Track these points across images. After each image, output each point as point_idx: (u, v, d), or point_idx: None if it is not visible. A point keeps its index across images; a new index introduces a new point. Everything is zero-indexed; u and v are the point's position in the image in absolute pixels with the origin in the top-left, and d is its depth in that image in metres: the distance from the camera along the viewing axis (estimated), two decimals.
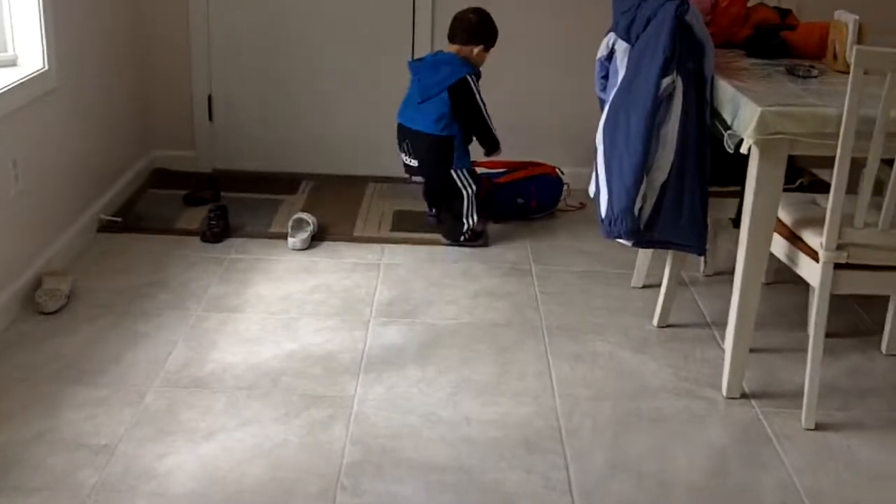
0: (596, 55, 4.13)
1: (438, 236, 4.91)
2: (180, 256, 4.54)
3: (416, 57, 5.37)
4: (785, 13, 4.35)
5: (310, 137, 5.68)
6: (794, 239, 3.45)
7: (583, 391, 3.56)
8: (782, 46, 4.03)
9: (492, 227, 5.03)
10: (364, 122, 5.60)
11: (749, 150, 3.23)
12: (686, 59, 3.57)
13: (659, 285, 4.09)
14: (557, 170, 5.20)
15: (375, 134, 5.57)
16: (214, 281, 4.29)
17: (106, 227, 4.82)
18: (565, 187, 5.20)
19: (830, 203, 3.16)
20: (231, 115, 5.67)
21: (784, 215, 3.49)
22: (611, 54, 4.02)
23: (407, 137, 4.83)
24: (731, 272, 3.57)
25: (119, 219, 4.89)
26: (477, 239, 4.85)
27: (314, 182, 5.61)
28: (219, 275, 4.36)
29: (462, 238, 4.81)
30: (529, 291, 4.32)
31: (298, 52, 5.55)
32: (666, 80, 3.56)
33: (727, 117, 3.45)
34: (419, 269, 4.53)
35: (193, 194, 5.21)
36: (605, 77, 4.11)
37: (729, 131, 3.33)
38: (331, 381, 3.55)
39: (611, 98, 3.87)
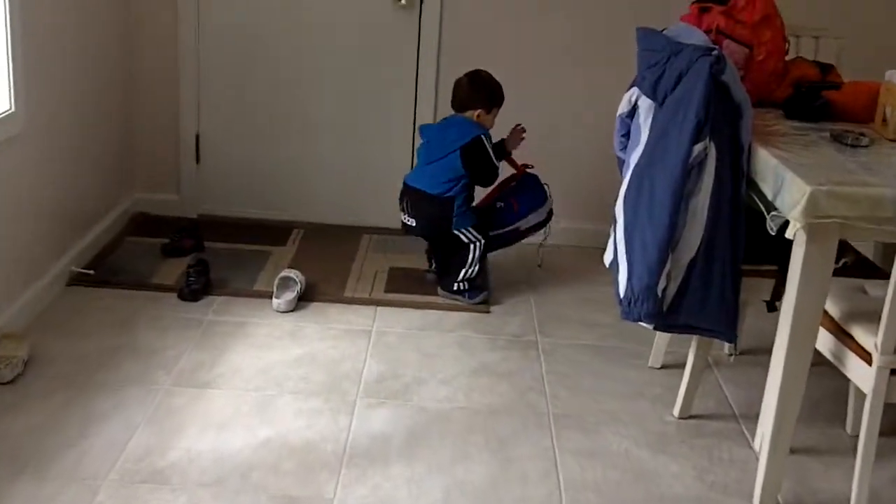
0: (617, 111, 3.69)
1: (435, 298, 4.52)
2: (153, 317, 4.13)
3: (417, 108, 5.12)
4: (826, 69, 3.94)
5: (303, 183, 5.28)
6: (841, 335, 3.03)
7: (594, 498, 3.12)
8: (825, 108, 3.62)
9: (494, 289, 4.60)
10: (360, 169, 5.21)
11: (795, 234, 2.79)
12: (721, 123, 3.16)
13: (680, 365, 3.69)
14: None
15: (372, 182, 5.19)
16: (188, 347, 3.87)
17: (77, 280, 4.41)
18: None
19: (889, 300, 2.72)
20: (220, 157, 5.27)
21: (829, 305, 3.07)
22: (633, 111, 3.60)
23: (407, 196, 4.51)
24: (760, 352, 3.15)
25: (91, 271, 4.49)
26: (475, 293, 4.47)
27: (306, 231, 5.21)
28: (194, 340, 3.94)
29: (457, 287, 4.45)
30: (534, 370, 3.90)
31: (293, 92, 5.15)
32: (698, 147, 3.15)
33: (767, 191, 3.03)
34: (413, 337, 4.12)
35: (174, 244, 4.80)
36: (626, 135, 3.69)
37: (773, 213, 2.91)
38: (307, 479, 3.12)
39: (633, 162, 3.46)
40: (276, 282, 4.38)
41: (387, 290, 4.58)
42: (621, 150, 3.74)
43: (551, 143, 5.07)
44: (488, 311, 4.44)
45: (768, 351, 3.19)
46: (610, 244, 3.58)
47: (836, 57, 4.22)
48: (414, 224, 4.50)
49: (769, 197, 3.03)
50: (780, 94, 3.81)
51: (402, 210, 4.54)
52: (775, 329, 3.06)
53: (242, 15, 5.07)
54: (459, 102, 4.49)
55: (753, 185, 3.21)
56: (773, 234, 2.93)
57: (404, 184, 4.53)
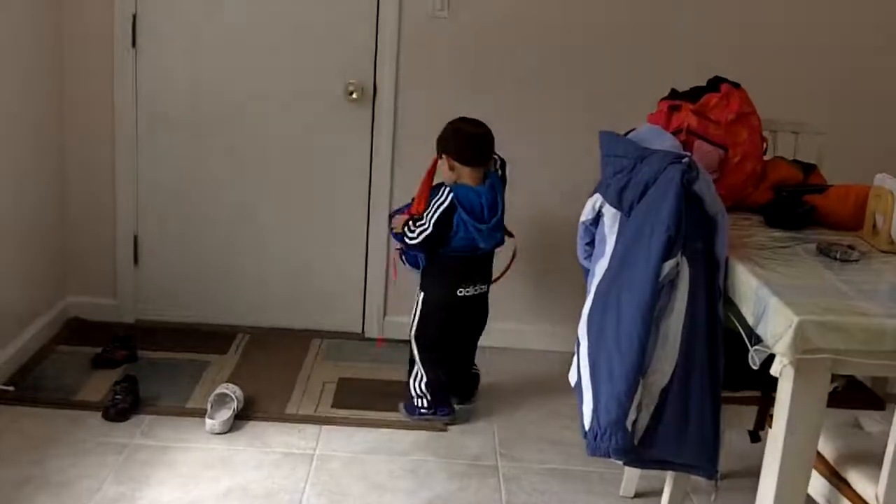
0: (581, 214, 3.37)
1: (387, 414, 4.17)
2: (73, 441, 3.75)
3: (371, 203, 4.80)
4: (808, 169, 3.65)
5: (249, 285, 4.92)
6: (836, 479, 2.67)
7: None
8: (809, 215, 3.30)
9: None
10: (310, 269, 4.84)
11: (781, 371, 2.44)
12: (694, 237, 2.84)
13: (656, 494, 3.36)
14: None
15: (322, 282, 4.84)
16: (107, 478, 3.50)
17: None
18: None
19: (892, 448, 2.36)
20: (159, 258, 4.91)
21: (821, 444, 2.71)
22: (597, 218, 3.27)
23: (484, 262, 4.16)
24: (745, 475, 2.78)
25: (11, 387, 4.10)
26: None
27: (251, 336, 4.83)
28: (115, 469, 3.56)
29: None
30: (494, 502, 3.50)
31: (238, 188, 4.82)
32: (668, 264, 2.83)
33: (748, 315, 2.70)
34: (360, 463, 3.76)
35: (105, 355, 4.43)
36: (591, 243, 3.35)
37: (756, 347, 2.56)
38: None
39: (597, 279, 3.12)
40: (210, 399, 3.99)
41: (334, 405, 4.21)
42: (585, 258, 3.42)
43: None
44: (445, 429, 4.04)
45: (754, 474, 2.84)
46: (574, 363, 3.23)
47: (818, 155, 3.92)
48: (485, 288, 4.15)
49: (750, 322, 2.69)
50: (759, 198, 3.51)
51: (472, 283, 4.09)
52: (760, 452, 2.69)
53: (184, 107, 4.74)
54: (488, 155, 4.07)
55: (732, 305, 2.87)
56: (756, 368, 2.57)
57: (479, 250, 4.06)
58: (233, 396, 4.01)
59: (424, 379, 4.09)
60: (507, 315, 4.75)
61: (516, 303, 4.82)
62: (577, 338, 3.11)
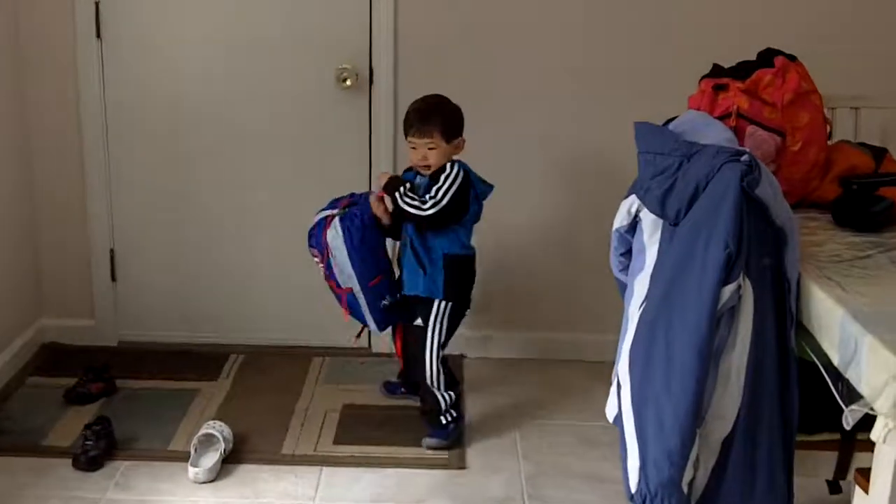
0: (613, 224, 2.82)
1: (396, 450, 3.65)
2: (37, 497, 3.27)
3: None
4: (879, 154, 3.09)
5: (239, 299, 4.42)
6: None
7: None
8: (888, 213, 2.73)
9: (474, 435, 3.74)
10: (307, 278, 4.17)
11: (885, 437, 1.89)
12: (758, 253, 2.30)
13: None
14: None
15: (321, 292, 4.20)
16: None
17: None
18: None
19: None
20: (139, 273, 4.41)
21: None
22: (634, 224, 2.71)
23: None
24: None
25: None
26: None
27: (244, 357, 4.32)
28: None
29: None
30: None
31: (223, 191, 4.31)
32: (728, 289, 2.29)
33: (830, 351, 2.19)
34: None
35: (78, 388, 3.94)
36: (626, 253, 2.80)
37: (852, 407, 2.00)
38: None
39: (635, 300, 2.58)
40: (194, 442, 3.48)
41: (337, 440, 3.71)
42: (620, 270, 2.89)
43: (524, 230, 4.23)
44: (464, 467, 3.53)
45: None
46: (612, 395, 2.69)
47: (882, 135, 3.36)
48: None
49: (835, 361, 2.16)
50: (824, 192, 2.97)
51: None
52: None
53: (157, 105, 4.22)
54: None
55: (805, 332, 2.33)
56: (849, 428, 2.02)
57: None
58: (220, 437, 3.50)
59: (443, 381, 3.67)
60: (525, 323, 4.34)
61: (536, 310, 4.30)
62: (617, 377, 2.57)
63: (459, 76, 4.06)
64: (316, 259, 3.58)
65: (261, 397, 3.98)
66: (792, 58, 2.99)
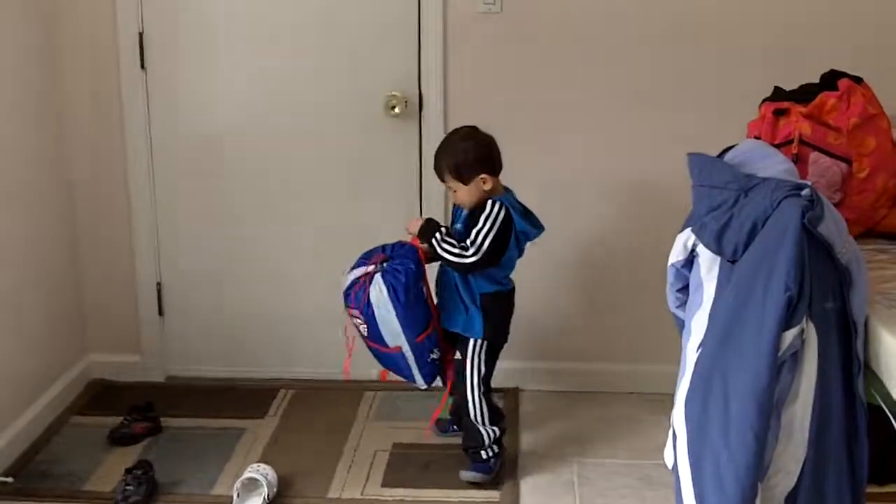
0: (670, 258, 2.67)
1: (446, 491, 3.52)
2: None
3: None
4: None
5: (287, 332, 4.32)
6: None
7: None
8: None
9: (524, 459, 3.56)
10: None
11: None
12: (822, 296, 2.12)
13: None
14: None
15: None
16: None
17: None
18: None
19: None
20: (187, 307, 4.32)
21: None
22: (690, 258, 2.55)
23: None
24: None
25: (10, 479, 3.53)
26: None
27: (294, 392, 4.21)
28: None
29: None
30: None
31: (270, 224, 4.21)
32: (790, 333, 2.13)
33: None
34: None
35: (123, 428, 3.85)
36: (683, 289, 2.64)
37: None
38: None
39: (693, 340, 2.42)
40: (237, 486, 3.37)
41: (385, 483, 3.58)
42: (678, 306, 2.72)
43: (580, 259, 4.10)
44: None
45: None
46: (669, 444, 2.53)
47: None
48: None
49: None
50: (893, 221, 2.79)
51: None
52: None
53: (203, 135, 4.15)
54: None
55: (873, 376, 2.16)
56: None
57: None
58: (263, 482, 3.39)
59: (487, 410, 3.52)
60: (581, 355, 4.19)
61: (592, 341, 4.18)
62: (672, 427, 2.40)
63: (511, 102, 3.92)
64: (358, 321, 3.39)
65: (308, 436, 3.86)
66: (858, 80, 2.82)
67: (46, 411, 3.98)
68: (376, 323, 3.34)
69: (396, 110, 4.00)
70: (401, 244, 3.45)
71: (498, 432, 3.53)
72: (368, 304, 3.32)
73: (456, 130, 3.46)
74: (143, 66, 4.07)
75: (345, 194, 4.13)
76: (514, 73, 3.95)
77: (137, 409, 3.90)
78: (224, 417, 4.02)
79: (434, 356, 3.43)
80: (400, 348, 3.38)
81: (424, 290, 3.41)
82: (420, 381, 3.47)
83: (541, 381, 4.22)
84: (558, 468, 3.63)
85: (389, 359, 3.43)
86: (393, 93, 4.00)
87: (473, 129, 3.42)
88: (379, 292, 3.30)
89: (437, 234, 3.34)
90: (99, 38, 4.02)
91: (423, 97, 4.02)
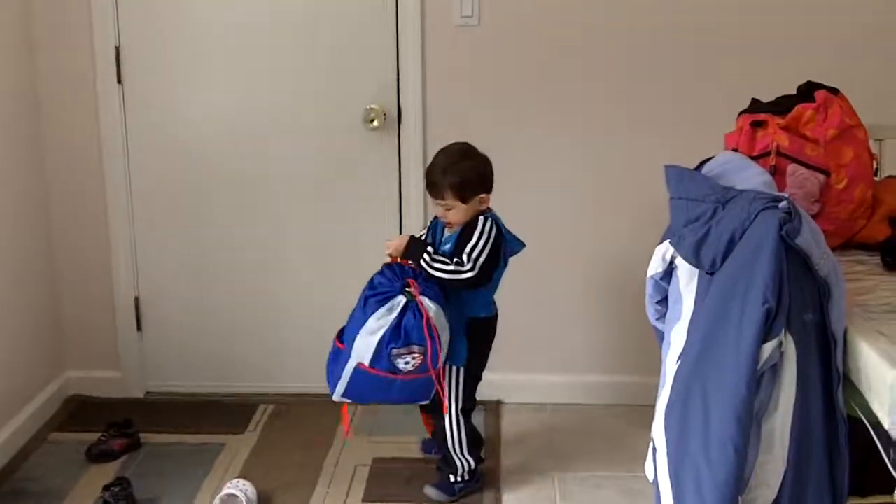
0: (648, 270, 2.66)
1: None
2: None
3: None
4: None
5: (268, 347, 4.30)
6: None
7: None
8: None
9: (510, 487, 3.56)
10: (337, 321, 3.99)
11: None
12: (801, 308, 2.12)
13: None
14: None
15: None
16: None
17: None
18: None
19: None
20: (165, 322, 4.29)
21: None
22: (669, 271, 2.55)
23: None
24: None
25: None
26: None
27: (274, 406, 4.20)
28: None
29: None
30: None
31: (250, 236, 4.19)
32: (769, 346, 2.12)
33: (881, 413, 2.02)
34: None
35: (101, 445, 3.82)
36: (663, 301, 2.63)
37: None
38: None
39: (672, 352, 2.41)
40: (216, 502, 3.36)
41: (366, 498, 3.56)
42: (657, 319, 2.72)
43: (562, 271, 4.10)
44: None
45: None
46: (649, 458, 2.52)
47: None
48: None
49: (885, 424, 2.00)
50: (872, 233, 2.80)
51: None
52: None
53: (181, 150, 4.13)
54: None
55: (853, 388, 2.15)
56: None
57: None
58: (242, 498, 3.37)
59: (465, 439, 3.45)
60: (564, 367, 4.19)
61: (576, 353, 4.19)
62: (652, 440, 2.39)
63: (489, 114, 3.91)
64: (415, 355, 3.20)
65: (289, 451, 3.84)
66: (834, 91, 2.82)
67: (24, 428, 3.94)
68: (435, 349, 3.19)
69: (375, 123, 3.99)
70: (400, 266, 3.32)
71: (474, 464, 3.46)
72: (433, 328, 3.19)
73: (452, 148, 3.36)
74: (119, 81, 4.04)
75: (324, 208, 4.12)
76: (492, 85, 3.94)
77: (116, 425, 3.87)
78: (203, 433, 3.99)
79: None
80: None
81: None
82: (430, 395, 3.36)
83: (523, 393, 4.20)
84: (540, 482, 3.60)
85: (418, 386, 3.30)
86: (371, 105, 3.99)
87: (469, 146, 3.34)
88: (438, 313, 3.21)
89: (426, 255, 3.25)
90: (75, 52, 3.99)
91: (401, 110, 4.01)
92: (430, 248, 3.28)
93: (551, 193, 4.00)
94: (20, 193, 3.95)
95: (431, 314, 3.18)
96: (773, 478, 2.19)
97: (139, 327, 4.30)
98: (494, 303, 3.46)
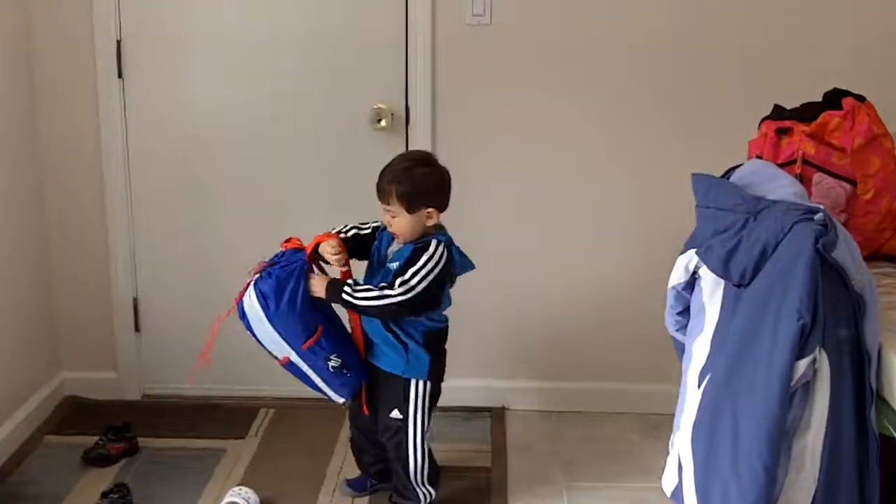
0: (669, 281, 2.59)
1: None
2: None
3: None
4: None
5: None
6: None
7: None
8: None
9: (517, 499, 3.47)
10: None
11: None
12: (835, 323, 2.04)
13: None
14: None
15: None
16: None
17: None
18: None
19: None
20: (164, 322, 4.21)
21: None
22: (692, 281, 2.48)
23: None
24: None
25: None
26: None
27: (275, 410, 4.11)
28: None
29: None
30: None
31: (251, 238, 4.08)
32: (803, 363, 2.04)
33: None
34: None
35: (98, 449, 3.73)
36: (684, 312, 2.56)
37: None
38: None
39: (694, 365, 2.34)
40: None
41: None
42: (677, 329, 2.64)
43: (559, 273, 4.01)
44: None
45: None
46: (670, 465, 2.45)
47: None
48: None
49: None
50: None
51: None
52: None
53: (181, 146, 4.04)
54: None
55: (884, 404, 2.08)
56: None
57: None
58: None
59: (427, 473, 3.28)
60: (570, 373, 4.11)
61: (582, 359, 4.12)
62: (677, 454, 2.32)
63: (499, 115, 3.84)
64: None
65: (291, 457, 3.76)
66: (861, 98, 2.75)
67: (18, 430, 3.86)
68: (255, 334, 3.08)
69: (383, 123, 3.91)
70: (293, 251, 3.15)
71: (433, 494, 3.30)
72: (244, 315, 3.07)
73: (411, 153, 3.21)
74: (120, 76, 3.96)
75: (329, 208, 4.03)
76: (502, 86, 3.86)
77: (113, 428, 3.79)
78: (203, 438, 3.92)
79: (333, 363, 3.08)
80: (288, 358, 3.09)
81: (301, 290, 3.05)
82: (334, 396, 3.18)
83: (528, 400, 4.13)
84: (548, 495, 3.52)
85: (295, 374, 3.16)
86: (379, 105, 3.91)
87: (430, 155, 3.17)
88: (250, 302, 3.04)
89: (347, 288, 3.01)
90: (76, 46, 3.90)
91: (409, 110, 3.94)
92: (350, 282, 3.05)
93: (561, 196, 3.93)
94: (18, 192, 3.87)
95: (246, 302, 3.07)
96: (803, 496, 2.14)
97: (137, 328, 4.22)
98: (446, 315, 3.23)
